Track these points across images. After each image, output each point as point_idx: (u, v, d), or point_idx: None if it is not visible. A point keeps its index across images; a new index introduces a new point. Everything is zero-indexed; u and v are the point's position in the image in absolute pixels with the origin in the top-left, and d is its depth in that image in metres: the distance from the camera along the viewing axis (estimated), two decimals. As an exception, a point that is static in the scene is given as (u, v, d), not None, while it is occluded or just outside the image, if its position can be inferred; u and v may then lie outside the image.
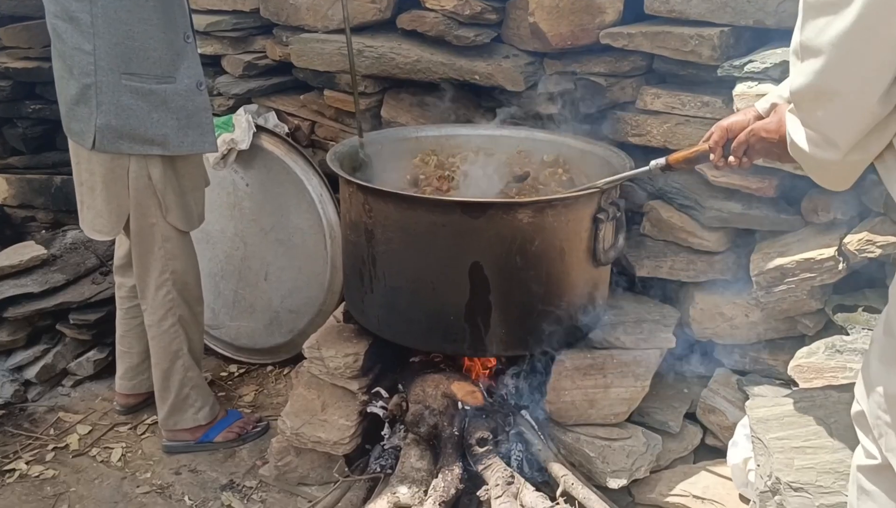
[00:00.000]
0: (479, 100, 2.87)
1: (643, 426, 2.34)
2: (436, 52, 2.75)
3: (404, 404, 2.23)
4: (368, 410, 2.32)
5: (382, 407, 2.31)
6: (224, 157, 2.86)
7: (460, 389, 2.19)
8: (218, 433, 2.62)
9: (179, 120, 2.24)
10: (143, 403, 2.78)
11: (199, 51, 2.99)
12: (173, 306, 2.43)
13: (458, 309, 2.13)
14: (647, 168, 1.92)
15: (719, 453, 2.38)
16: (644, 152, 2.51)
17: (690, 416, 2.45)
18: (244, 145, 2.82)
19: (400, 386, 2.34)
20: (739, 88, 2.14)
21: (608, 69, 2.55)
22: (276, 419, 2.70)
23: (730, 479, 2.23)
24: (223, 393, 2.96)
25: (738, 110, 2.11)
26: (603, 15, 2.51)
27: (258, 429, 2.69)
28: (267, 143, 2.91)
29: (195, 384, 2.54)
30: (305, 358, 2.44)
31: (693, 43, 2.27)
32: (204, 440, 2.61)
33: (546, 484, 2.24)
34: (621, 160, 2.31)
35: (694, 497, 2.18)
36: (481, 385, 2.25)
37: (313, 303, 2.93)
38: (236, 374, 3.09)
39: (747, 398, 2.31)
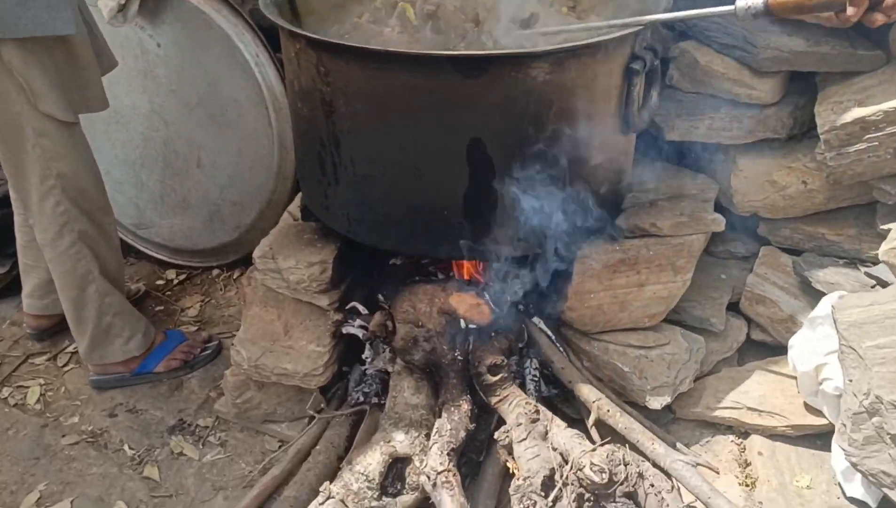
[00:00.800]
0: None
1: (679, 325, 1.92)
2: None
3: (389, 323, 1.76)
4: (344, 331, 1.84)
5: (361, 327, 1.83)
6: (122, 8, 2.18)
7: (461, 302, 1.72)
8: (158, 362, 2.13)
9: None
10: (60, 325, 2.25)
11: None
12: (68, 219, 1.86)
13: (455, 201, 1.62)
14: (729, 8, 1.37)
15: (769, 349, 1.99)
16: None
17: (732, 306, 2.03)
18: (146, -5, 2.15)
19: (381, 297, 1.86)
20: None
21: None
22: (230, 338, 2.23)
23: (788, 379, 1.85)
24: (161, 307, 2.45)
25: None
26: None
27: (208, 351, 2.20)
28: (178, -12, 2.23)
29: (117, 310, 2.02)
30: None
31: None
32: (141, 372, 2.12)
33: (566, 403, 1.84)
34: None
35: (748, 409, 1.80)
36: (486, 294, 1.78)
37: (261, 192, 2.37)
38: (176, 281, 2.57)
39: (805, 284, 1.89)
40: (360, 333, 1.83)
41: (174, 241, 2.58)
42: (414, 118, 1.55)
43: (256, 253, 1.88)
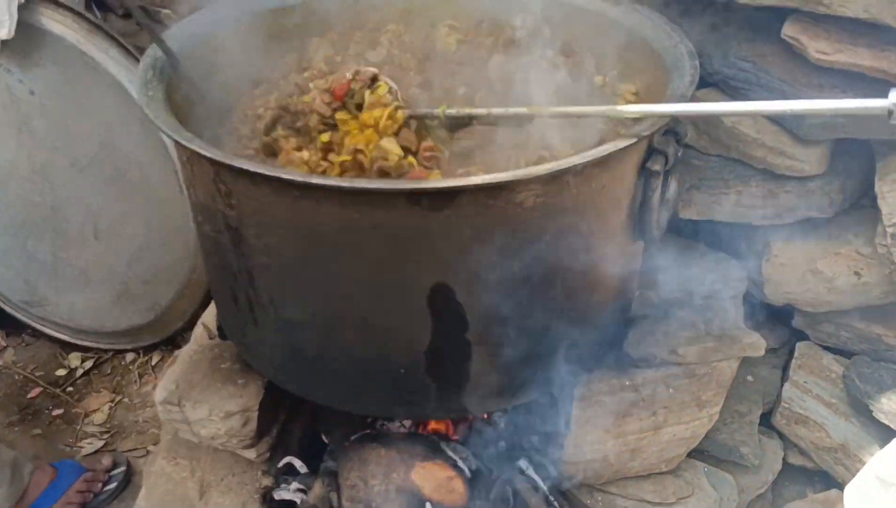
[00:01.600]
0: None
1: (702, 457, 1.53)
2: None
3: (334, 496, 1.34)
4: (276, 497, 1.42)
5: (299, 490, 1.42)
6: (-21, 52, 1.68)
7: (427, 478, 1.30)
8: (49, 509, 1.70)
9: None
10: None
11: None
12: None
13: (414, 357, 1.19)
14: (878, 103, 0.90)
15: (810, 476, 1.62)
16: (687, 14, 1.50)
17: (762, 417, 1.65)
18: (4, 34, 1.63)
19: (326, 458, 1.43)
20: None
21: None
22: (143, 458, 1.81)
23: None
24: (60, 411, 2.00)
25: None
26: None
27: (112, 485, 1.77)
28: (50, 21, 1.72)
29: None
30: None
31: None
32: (26, 526, 1.69)
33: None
34: (676, 43, 1.31)
35: (793, 572, 1.44)
36: (459, 461, 1.36)
37: (177, 270, 1.92)
38: (80, 371, 2.11)
39: (862, 404, 1.51)
40: (297, 498, 1.41)
41: (75, 320, 2.11)
42: (353, 259, 1.11)
43: (159, 395, 1.44)
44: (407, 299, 1.13)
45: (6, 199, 1.97)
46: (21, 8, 1.67)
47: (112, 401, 2.01)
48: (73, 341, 2.17)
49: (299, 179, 1.00)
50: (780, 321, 1.72)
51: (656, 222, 1.24)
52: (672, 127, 1.23)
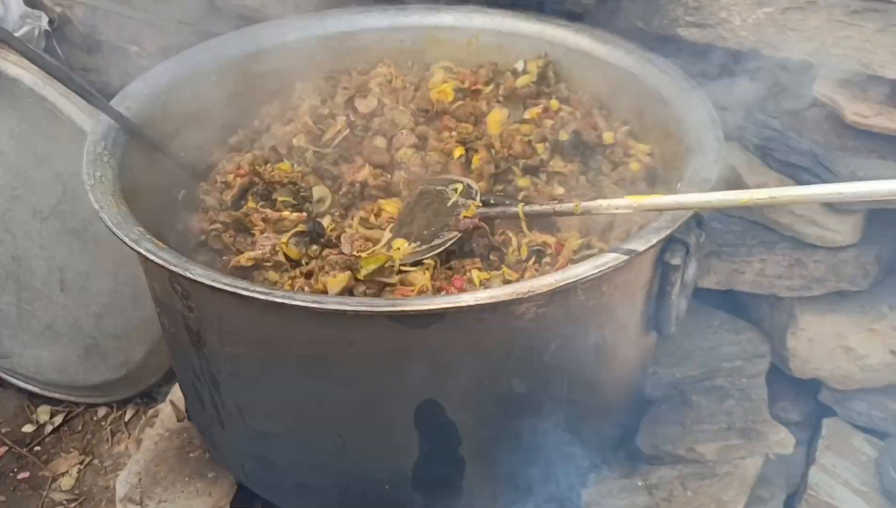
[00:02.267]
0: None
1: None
2: None
3: None
4: None
5: None
6: (-73, 97, 1.53)
7: None
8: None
9: None
10: None
11: None
12: None
13: (400, 473, 1.05)
14: None
15: (836, 568, 1.48)
16: (714, 63, 1.35)
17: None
18: (-48, 81, 1.48)
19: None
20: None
21: None
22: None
23: None
24: (25, 474, 1.86)
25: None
26: None
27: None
28: (4, 62, 1.56)
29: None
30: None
31: None
32: None
33: None
34: (695, 105, 1.16)
35: None
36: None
37: (148, 327, 1.77)
38: (49, 428, 1.96)
39: None
40: None
41: (43, 374, 1.97)
42: (328, 375, 0.96)
43: (119, 489, 1.30)
44: (390, 416, 0.99)
45: (-36, 248, 1.82)
46: (-29, 48, 1.52)
47: (81, 462, 1.87)
48: (42, 392, 2.02)
49: (261, 296, 0.85)
50: (804, 391, 1.58)
51: (674, 316, 1.10)
52: (697, 215, 1.08)
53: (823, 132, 1.29)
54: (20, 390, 2.04)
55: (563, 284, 0.86)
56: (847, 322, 1.41)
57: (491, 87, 1.43)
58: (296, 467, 1.10)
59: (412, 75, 1.48)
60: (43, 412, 2.00)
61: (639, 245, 0.92)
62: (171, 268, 0.88)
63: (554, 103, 1.38)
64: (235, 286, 0.86)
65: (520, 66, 1.45)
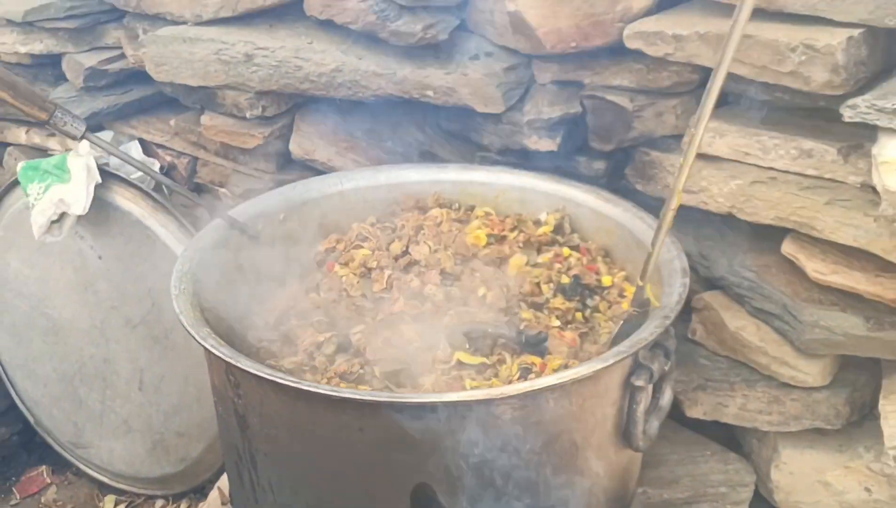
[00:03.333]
0: (440, 121, 1.88)
1: None
2: (366, 55, 1.77)
3: None
4: None
5: None
6: (57, 222, 1.90)
7: None
8: None
9: None
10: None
11: (26, 48, 2.02)
12: None
13: (397, 551, 1.23)
14: None
15: None
16: (695, 221, 1.59)
17: None
18: (79, 210, 1.85)
19: None
20: (891, 147, 1.19)
21: (636, 82, 1.59)
22: None
23: None
24: (90, 557, 2.09)
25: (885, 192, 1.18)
26: (628, 1, 1.53)
27: None
28: (119, 197, 1.94)
29: None
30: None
31: (797, 58, 1.29)
32: None
33: None
34: (673, 257, 1.39)
35: None
36: None
37: (208, 426, 2.02)
38: (113, 514, 2.21)
39: None
40: None
41: (114, 465, 2.23)
42: (343, 455, 1.18)
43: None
44: (391, 496, 1.19)
45: (65, 350, 2.15)
46: (98, 186, 1.89)
47: (138, 551, 2.10)
48: (110, 483, 2.28)
49: (291, 383, 1.10)
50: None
51: (642, 433, 1.28)
52: (661, 341, 1.29)
53: (791, 284, 1.49)
54: (92, 479, 2.30)
55: (529, 390, 1.08)
56: (825, 459, 1.54)
57: (515, 233, 1.69)
58: (312, 541, 1.29)
59: (457, 217, 1.73)
60: (109, 501, 2.25)
61: (596, 365, 1.13)
62: (227, 359, 1.15)
63: (566, 250, 1.62)
64: (273, 376, 1.11)
65: (542, 217, 1.71)
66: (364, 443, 1.15)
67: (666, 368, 1.28)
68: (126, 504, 2.23)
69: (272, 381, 1.11)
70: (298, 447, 1.21)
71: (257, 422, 1.24)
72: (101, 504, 2.23)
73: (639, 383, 1.23)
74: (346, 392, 1.09)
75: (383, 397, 1.10)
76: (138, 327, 2.03)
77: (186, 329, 1.23)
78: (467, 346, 1.32)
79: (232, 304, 1.47)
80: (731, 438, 1.71)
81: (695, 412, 1.62)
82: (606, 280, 1.55)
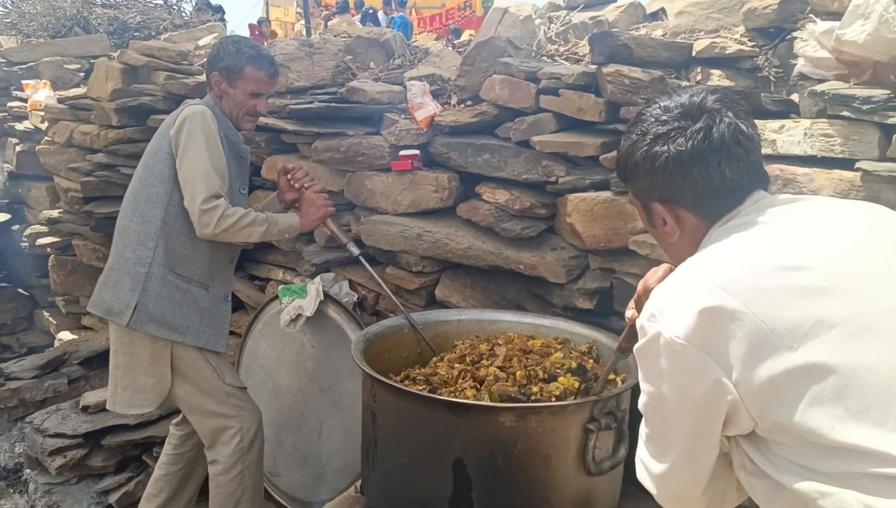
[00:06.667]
0: (530, 286, 2.99)
1: None
2: (486, 241, 2.94)
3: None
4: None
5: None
6: (294, 320, 3.17)
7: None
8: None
9: (202, 319, 2.73)
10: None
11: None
12: (242, 454, 2.83)
13: (442, 501, 2.19)
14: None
15: None
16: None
17: None
18: (309, 312, 3.12)
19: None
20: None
21: (642, 270, 2.60)
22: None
23: None
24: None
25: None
26: (635, 221, 2.59)
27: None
28: (331, 310, 3.19)
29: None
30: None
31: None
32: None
33: None
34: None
35: None
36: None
37: (356, 466, 3.07)
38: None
39: None
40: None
41: (292, 490, 3.32)
42: (420, 436, 2.21)
43: (318, 512, 2.54)
44: (442, 463, 2.17)
45: (279, 405, 3.35)
46: (321, 302, 3.17)
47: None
48: (287, 505, 3.36)
49: (396, 385, 2.18)
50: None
51: (593, 463, 2.18)
52: (612, 410, 2.22)
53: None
54: (277, 503, 3.39)
55: (517, 407, 2.07)
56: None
57: (561, 347, 2.69)
58: (398, 494, 2.28)
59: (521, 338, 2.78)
60: (284, 517, 3.32)
61: (555, 406, 2.10)
62: (368, 371, 2.25)
63: (590, 361, 2.60)
64: (392, 381, 2.20)
65: (583, 345, 2.72)
66: (432, 427, 2.17)
67: (613, 425, 2.19)
68: (293, 520, 3.29)
69: (393, 387, 2.20)
70: (399, 429, 2.25)
71: (381, 416, 2.30)
72: (278, 517, 3.31)
73: (591, 426, 2.15)
74: (421, 394, 2.15)
75: (443, 398, 2.15)
76: (326, 392, 3.19)
77: (359, 365, 2.36)
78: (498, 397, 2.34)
79: (383, 363, 2.60)
80: None
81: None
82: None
